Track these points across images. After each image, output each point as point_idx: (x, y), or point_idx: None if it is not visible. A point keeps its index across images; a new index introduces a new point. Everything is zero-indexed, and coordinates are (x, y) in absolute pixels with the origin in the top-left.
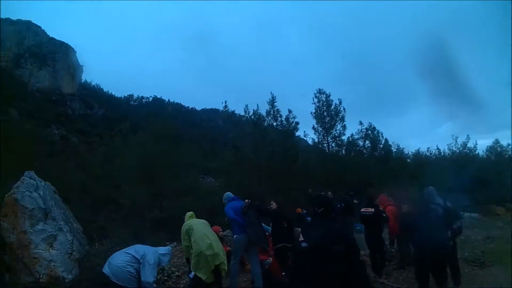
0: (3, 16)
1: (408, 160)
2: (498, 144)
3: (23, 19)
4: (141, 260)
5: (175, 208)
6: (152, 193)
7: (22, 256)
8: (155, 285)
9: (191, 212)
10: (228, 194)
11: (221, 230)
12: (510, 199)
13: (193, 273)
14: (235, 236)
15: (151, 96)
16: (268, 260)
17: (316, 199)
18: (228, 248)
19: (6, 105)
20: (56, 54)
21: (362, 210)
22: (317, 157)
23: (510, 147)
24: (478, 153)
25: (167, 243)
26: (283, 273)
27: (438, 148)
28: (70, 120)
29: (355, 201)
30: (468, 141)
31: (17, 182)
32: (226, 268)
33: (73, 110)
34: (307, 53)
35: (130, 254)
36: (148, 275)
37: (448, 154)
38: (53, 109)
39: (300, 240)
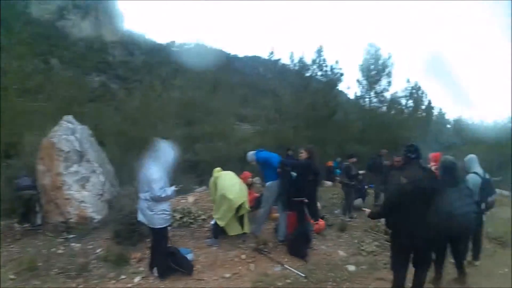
0: None
1: (448, 126)
2: None
3: None
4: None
5: (207, 152)
6: (187, 136)
7: (55, 197)
8: (163, 192)
9: (219, 168)
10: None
11: (250, 176)
12: None
13: (214, 219)
14: (267, 183)
15: (193, 42)
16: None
17: (411, 146)
18: (257, 194)
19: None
20: (99, 4)
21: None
22: (356, 111)
23: None
24: None
25: (196, 186)
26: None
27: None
28: (110, 67)
29: (384, 162)
30: None
31: (55, 127)
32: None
33: (114, 57)
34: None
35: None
36: (154, 190)
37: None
38: (93, 57)
39: (404, 182)
